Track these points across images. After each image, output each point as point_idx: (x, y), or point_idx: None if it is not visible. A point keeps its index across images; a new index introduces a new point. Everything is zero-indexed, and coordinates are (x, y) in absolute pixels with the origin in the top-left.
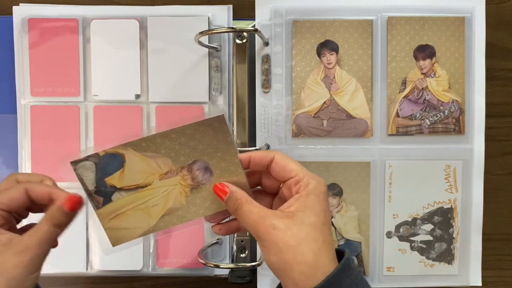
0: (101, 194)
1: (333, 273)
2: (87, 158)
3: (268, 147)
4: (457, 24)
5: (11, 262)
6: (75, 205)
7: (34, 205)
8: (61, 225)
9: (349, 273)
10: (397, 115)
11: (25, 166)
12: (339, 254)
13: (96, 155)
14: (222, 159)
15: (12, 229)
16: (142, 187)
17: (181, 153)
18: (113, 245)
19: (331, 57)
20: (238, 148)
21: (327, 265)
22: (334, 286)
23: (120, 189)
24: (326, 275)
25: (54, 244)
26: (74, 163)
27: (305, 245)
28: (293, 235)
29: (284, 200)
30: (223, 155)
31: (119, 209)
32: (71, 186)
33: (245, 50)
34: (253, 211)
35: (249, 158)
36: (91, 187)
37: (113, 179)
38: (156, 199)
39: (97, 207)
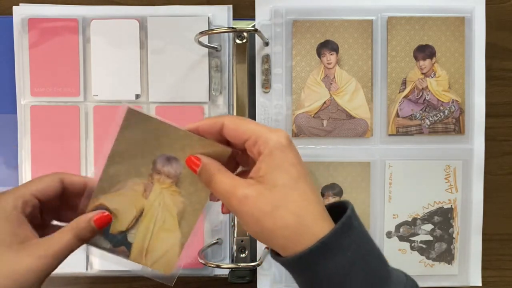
0: (119, 244)
1: (327, 235)
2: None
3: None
4: (457, 24)
5: (24, 265)
6: (104, 224)
7: (68, 199)
8: (83, 239)
9: (350, 232)
10: (397, 115)
11: (25, 166)
12: (340, 208)
13: None
14: (173, 141)
15: (36, 226)
16: (140, 215)
17: (137, 164)
18: (168, 272)
19: (331, 57)
20: None
21: (316, 225)
22: (329, 248)
23: (127, 230)
24: (316, 236)
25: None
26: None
27: (282, 208)
28: (267, 201)
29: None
30: (169, 140)
31: (142, 243)
32: None
33: (245, 50)
34: (224, 181)
35: (197, 128)
36: (108, 246)
37: (114, 227)
38: (160, 215)
39: (127, 256)
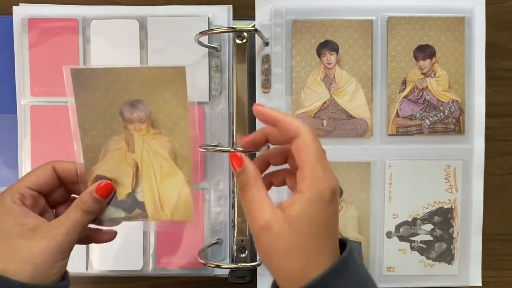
0: (132, 208)
1: (319, 276)
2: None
3: (268, 147)
4: (457, 24)
5: (38, 247)
6: (107, 192)
7: (65, 185)
8: (92, 212)
9: (345, 275)
10: (397, 115)
11: (25, 166)
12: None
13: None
14: (127, 84)
15: (44, 213)
16: (137, 171)
17: (107, 123)
18: (191, 217)
19: (331, 57)
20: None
21: (317, 264)
22: None
23: (133, 190)
24: (309, 276)
25: (109, 237)
26: (99, 222)
27: (295, 254)
28: (285, 242)
29: (294, 172)
30: (123, 85)
31: (153, 197)
32: None
33: (245, 50)
34: (255, 200)
35: (253, 141)
36: (123, 214)
37: (120, 192)
38: (155, 163)
39: (145, 217)
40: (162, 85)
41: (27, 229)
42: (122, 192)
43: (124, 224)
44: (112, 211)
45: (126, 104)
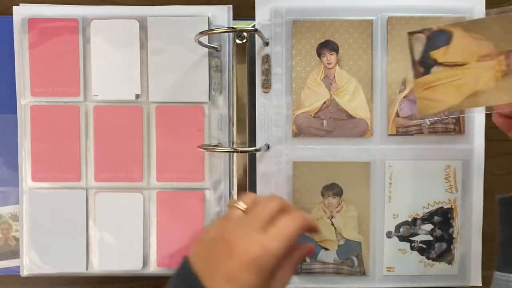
0: (423, 65)
1: None
2: (422, 31)
3: (268, 147)
4: None
5: None
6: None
7: None
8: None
9: None
10: (397, 115)
11: (25, 166)
12: None
13: (430, 29)
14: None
15: None
16: (460, 65)
17: (505, 39)
18: (419, 114)
19: (331, 57)
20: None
21: None
22: None
23: (440, 64)
24: None
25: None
26: (410, 34)
27: None
28: None
29: None
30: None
31: (434, 81)
32: (69, 185)
33: (245, 50)
34: None
35: None
36: (417, 57)
37: (437, 54)
38: (467, 79)
39: (417, 76)
40: None
41: None
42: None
43: (124, 224)
44: None
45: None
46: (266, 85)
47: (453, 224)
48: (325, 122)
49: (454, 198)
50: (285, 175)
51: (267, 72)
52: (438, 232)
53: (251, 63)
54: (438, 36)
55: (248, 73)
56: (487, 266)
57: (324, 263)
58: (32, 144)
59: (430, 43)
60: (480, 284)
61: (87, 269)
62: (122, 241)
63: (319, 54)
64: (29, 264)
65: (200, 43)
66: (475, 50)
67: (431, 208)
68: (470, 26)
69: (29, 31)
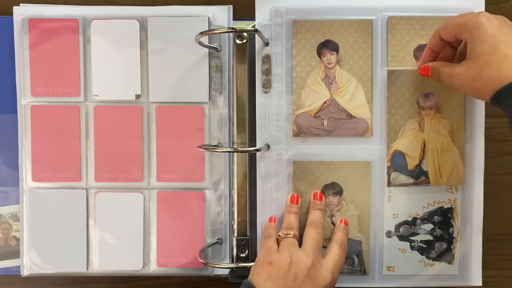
0: (419, 176)
1: None
2: None
3: (268, 147)
4: None
5: None
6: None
7: None
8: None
9: None
10: None
11: (25, 166)
12: None
13: None
14: (422, 81)
15: None
16: (424, 146)
17: (407, 109)
18: (462, 182)
19: (331, 57)
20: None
21: None
22: None
23: (420, 162)
24: None
25: None
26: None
27: (486, 69)
28: (473, 69)
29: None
30: (421, 81)
31: (434, 168)
32: (69, 185)
33: (245, 50)
34: (446, 70)
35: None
36: (411, 181)
37: (410, 164)
38: (437, 140)
39: (428, 184)
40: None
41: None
42: (411, 164)
43: (124, 224)
44: (403, 178)
45: (421, 95)
46: (267, 85)
47: (453, 223)
48: (325, 121)
49: (454, 198)
50: (285, 175)
51: (267, 72)
52: (438, 231)
53: (251, 63)
54: None
55: (248, 73)
56: (487, 266)
57: None
58: (33, 144)
59: None
60: (481, 284)
61: (87, 269)
62: (122, 241)
63: (319, 54)
64: (30, 264)
65: (200, 43)
66: (412, 133)
67: (431, 208)
68: None
69: (30, 31)
